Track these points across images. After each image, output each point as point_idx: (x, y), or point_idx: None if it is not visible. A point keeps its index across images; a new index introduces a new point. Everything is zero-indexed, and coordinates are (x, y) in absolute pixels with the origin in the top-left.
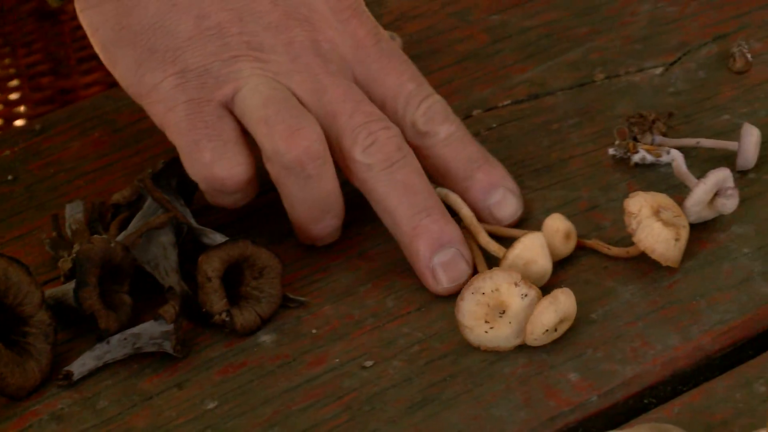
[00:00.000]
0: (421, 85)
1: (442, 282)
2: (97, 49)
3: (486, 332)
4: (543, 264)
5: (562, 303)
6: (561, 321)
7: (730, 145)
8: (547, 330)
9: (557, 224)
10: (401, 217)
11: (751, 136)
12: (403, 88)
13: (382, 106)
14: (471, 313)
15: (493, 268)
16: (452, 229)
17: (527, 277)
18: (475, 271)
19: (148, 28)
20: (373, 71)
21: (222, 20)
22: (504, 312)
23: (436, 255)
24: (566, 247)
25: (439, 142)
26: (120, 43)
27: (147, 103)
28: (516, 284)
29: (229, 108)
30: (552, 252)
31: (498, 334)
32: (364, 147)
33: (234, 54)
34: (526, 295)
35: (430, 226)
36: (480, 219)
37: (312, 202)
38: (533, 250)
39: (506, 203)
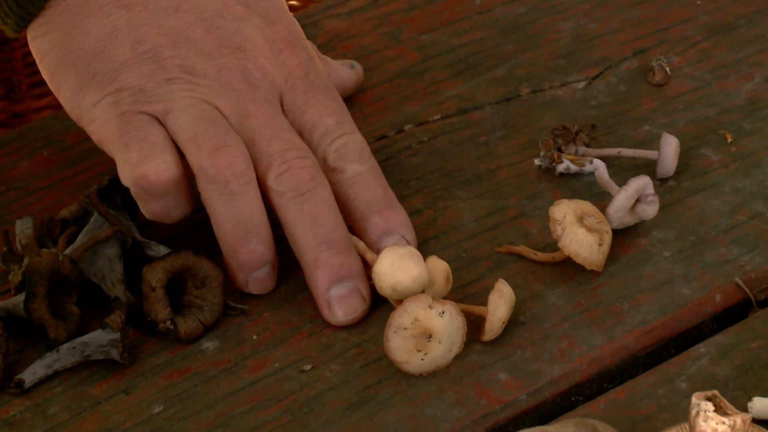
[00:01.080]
0: (340, 123)
1: (337, 315)
2: (45, 75)
3: (422, 359)
4: (413, 269)
5: (507, 293)
6: (509, 309)
7: (650, 154)
8: (503, 322)
9: (438, 266)
10: (304, 247)
11: (669, 145)
12: (322, 123)
13: (301, 137)
14: (401, 349)
15: (404, 301)
16: (352, 264)
17: (400, 284)
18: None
19: (89, 52)
20: (298, 102)
21: (157, 44)
22: (431, 336)
23: (333, 288)
24: (446, 288)
25: (345, 179)
26: (64, 68)
27: (86, 123)
28: (430, 306)
29: (160, 122)
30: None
31: (433, 356)
32: (277, 174)
33: (168, 77)
34: (443, 312)
35: (330, 260)
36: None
37: (236, 221)
38: (397, 261)
39: None
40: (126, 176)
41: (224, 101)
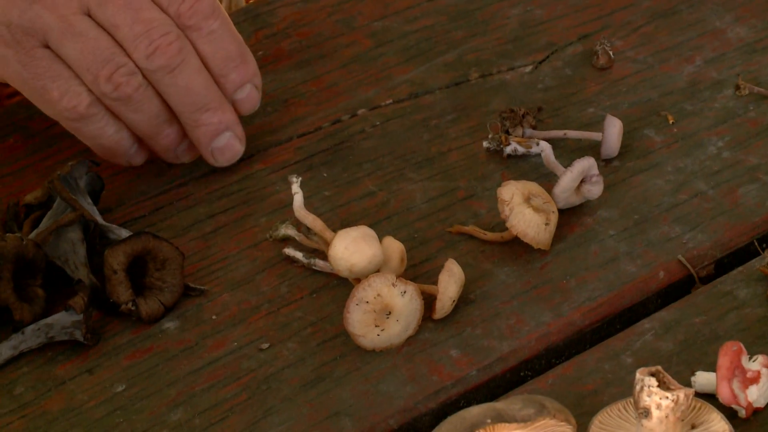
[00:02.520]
0: None
1: (220, 161)
2: None
3: (378, 335)
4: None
5: (456, 273)
6: (459, 287)
7: (595, 135)
8: (453, 300)
9: (393, 245)
10: (184, 113)
11: (613, 127)
12: None
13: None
14: (360, 322)
15: (369, 276)
16: (227, 117)
17: (356, 266)
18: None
19: None
20: None
21: None
22: (390, 313)
23: (214, 141)
24: (400, 268)
25: (201, 37)
26: None
27: None
28: (394, 285)
29: (49, 47)
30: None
31: (389, 334)
32: (146, 55)
33: None
34: (405, 292)
35: (209, 119)
36: None
37: (154, 117)
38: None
39: (250, 98)
40: (51, 111)
41: None
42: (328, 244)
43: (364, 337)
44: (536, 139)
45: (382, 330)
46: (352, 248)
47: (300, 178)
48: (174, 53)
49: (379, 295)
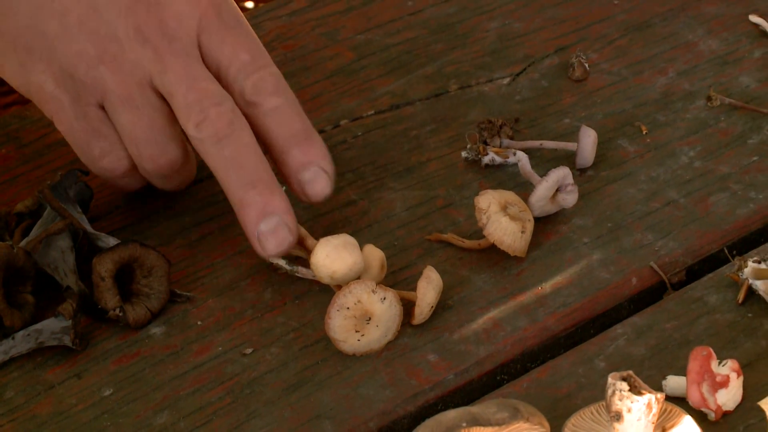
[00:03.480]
0: (255, 57)
1: (267, 248)
2: None
3: (358, 340)
4: (348, 259)
5: (435, 279)
6: (437, 294)
7: (570, 145)
8: (432, 306)
9: (374, 253)
10: (231, 189)
11: (588, 137)
12: (237, 59)
13: (217, 75)
14: (341, 327)
15: (350, 283)
16: (278, 200)
17: (337, 273)
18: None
19: (23, 30)
20: (214, 42)
21: (81, 15)
22: (370, 319)
23: (262, 223)
24: (380, 275)
25: (263, 113)
26: (2, 49)
27: (38, 102)
28: (373, 291)
29: (102, 107)
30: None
31: (369, 339)
32: (195, 123)
33: (97, 53)
34: (384, 298)
35: (255, 198)
36: (293, 193)
37: (180, 184)
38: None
39: (317, 181)
40: (88, 165)
41: (146, 62)
42: (310, 252)
43: (345, 342)
44: (513, 150)
45: (363, 335)
46: (333, 256)
47: (284, 186)
48: (223, 124)
49: (359, 301)
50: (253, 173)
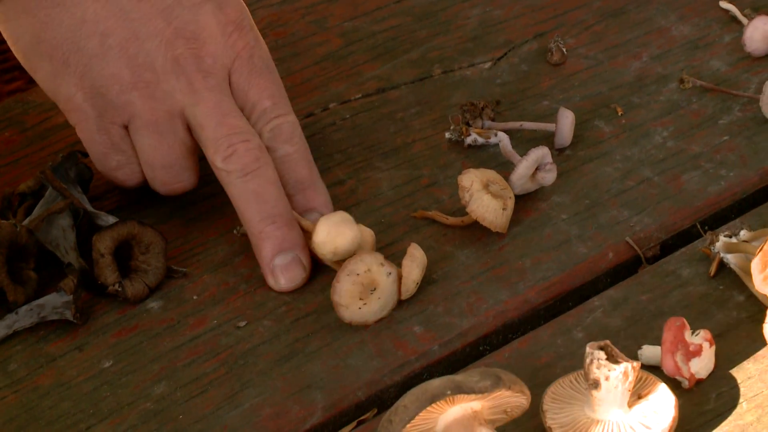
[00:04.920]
0: (276, 104)
1: (280, 282)
2: (19, 57)
3: (360, 308)
4: (348, 233)
5: (419, 257)
6: (422, 270)
7: (549, 126)
8: (417, 283)
9: (365, 233)
10: (251, 221)
11: (566, 119)
12: (260, 104)
13: (246, 116)
14: (348, 291)
15: (360, 252)
16: (294, 236)
17: (340, 248)
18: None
19: (63, 42)
20: (242, 83)
21: (122, 39)
22: (375, 289)
23: (277, 257)
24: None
25: (276, 158)
26: (39, 55)
27: (63, 109)
28: (382, 264)
29: (127, 128)
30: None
31: (369, 310)
32: (224, 156)
33: (132, 80)
34: (390, 273)
35: (274, 232)
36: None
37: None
38: (333, 229)
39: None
40: (103, 173)
41: (179, 94)
42: (308, 232)
43: (347, 308)
44: (495, 131)
45: (365, 304)
46: (335, 232)
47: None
48: (251, 159)
49: (369, 270)
50: (273, 208)
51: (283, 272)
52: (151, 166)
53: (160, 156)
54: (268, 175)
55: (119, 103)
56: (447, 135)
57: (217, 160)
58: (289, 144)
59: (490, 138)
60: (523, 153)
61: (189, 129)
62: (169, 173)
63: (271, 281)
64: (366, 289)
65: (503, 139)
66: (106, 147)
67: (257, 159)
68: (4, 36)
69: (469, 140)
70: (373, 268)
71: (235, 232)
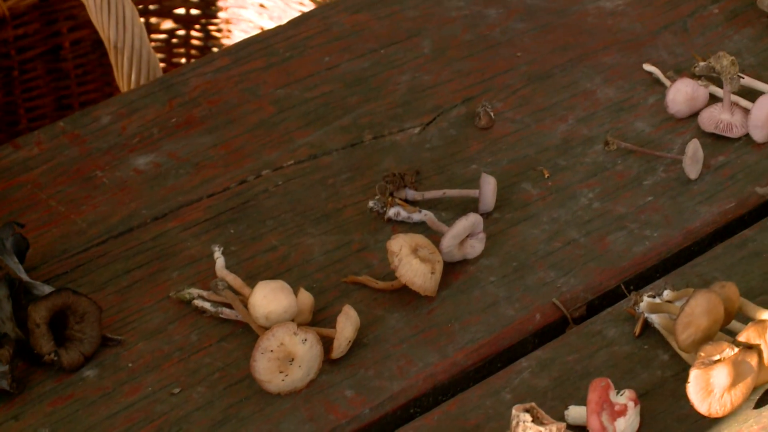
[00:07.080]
0: None
1: None
2: None
3: (282, 380)
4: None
5: (352, 316)
6: (355, 330)
7: (472, 192)
8: (349, 341)
9: (305, 298)
10: None
11: (488, 185)
12: None
13: None
14: (266, 369)
15: (273, 326)
16: None
17: (272, 314)
18: None
19: None
20: None
21: None
22: (293, 360)
23: None
24: (309, 318)
25: None
26: None
27: None
28: (295, 333)
29: None
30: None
31: (293, 379)
32: None
33: None
34: (306, 340)
35: None
36: None
37: None
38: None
39: None
40: None
41: None
42: (246, 296)
43: (270, 382)
44: (419, 209)
45: (286, 375)
46: (270, 297)
47: (222, 248)
48: None
49: (282, 343)
50: None
51: None
52: None
53: None
54: None
55: None
56: (370, 204)
57: None
58: None
59: (412, 215)
60: (453, 217)
61: None
62: None
63: None
64: (284, 362)
65: (428, 217)
66: None
67: None
68: None
69: (391, 213)
70: (286, 340)
71: (172, 295)
